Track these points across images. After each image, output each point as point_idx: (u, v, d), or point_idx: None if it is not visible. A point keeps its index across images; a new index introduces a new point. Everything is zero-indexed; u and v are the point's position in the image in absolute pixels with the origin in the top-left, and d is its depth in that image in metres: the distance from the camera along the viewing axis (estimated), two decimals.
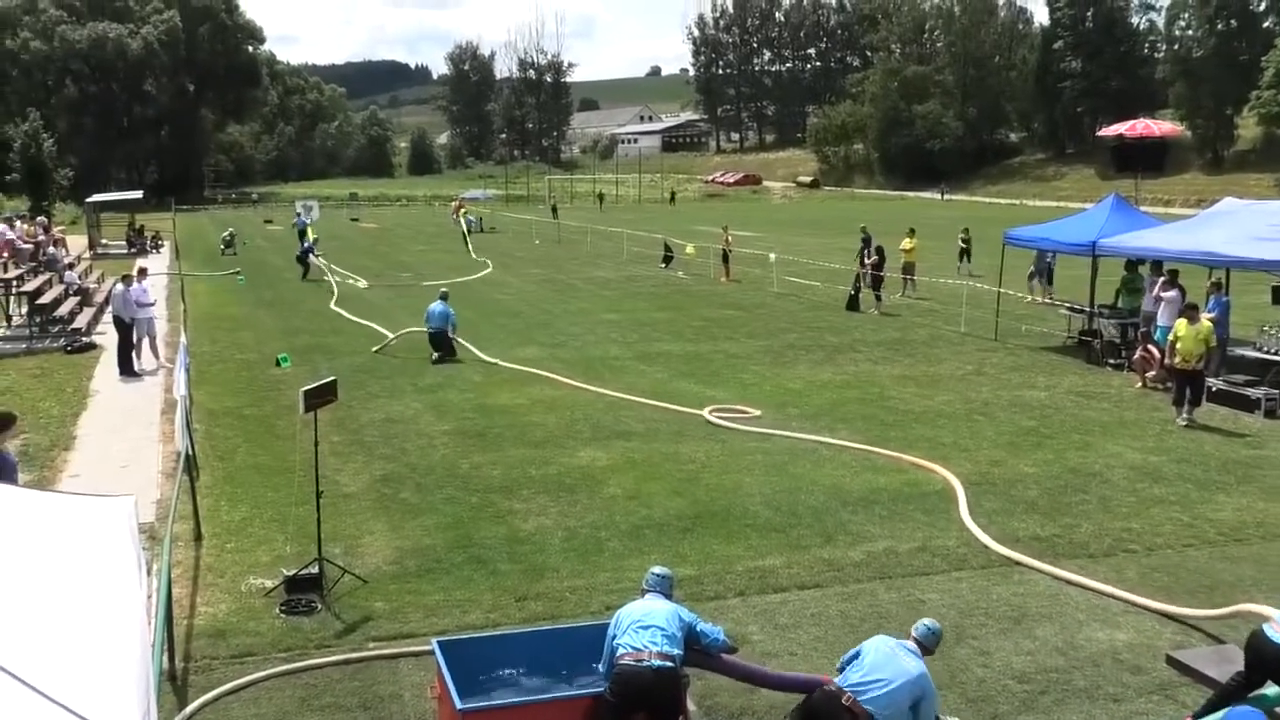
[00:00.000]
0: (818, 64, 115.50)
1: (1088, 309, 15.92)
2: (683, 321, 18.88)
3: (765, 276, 24.51)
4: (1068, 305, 17.20)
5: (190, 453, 8.72)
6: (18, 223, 26.43)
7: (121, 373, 14.72)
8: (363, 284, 24.96)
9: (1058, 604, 7.16)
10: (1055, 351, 15.82)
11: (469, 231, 38.27)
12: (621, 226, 38.36)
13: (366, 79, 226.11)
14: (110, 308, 16.01)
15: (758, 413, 12.10)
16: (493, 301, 21.48)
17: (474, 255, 32.29)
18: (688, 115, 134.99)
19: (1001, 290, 18.13)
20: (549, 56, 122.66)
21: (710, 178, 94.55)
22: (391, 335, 16.97)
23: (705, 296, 22.27)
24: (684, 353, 15.82)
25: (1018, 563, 7.77)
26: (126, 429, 11.75)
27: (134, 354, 14.96)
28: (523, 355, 15.62)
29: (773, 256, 24.42)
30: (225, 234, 35.46)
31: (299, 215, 42.69)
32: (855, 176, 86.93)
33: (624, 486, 9.45)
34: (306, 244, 26.90)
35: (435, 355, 15.30)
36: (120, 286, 15.16)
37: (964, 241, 25.54)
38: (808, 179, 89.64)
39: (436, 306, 15.61)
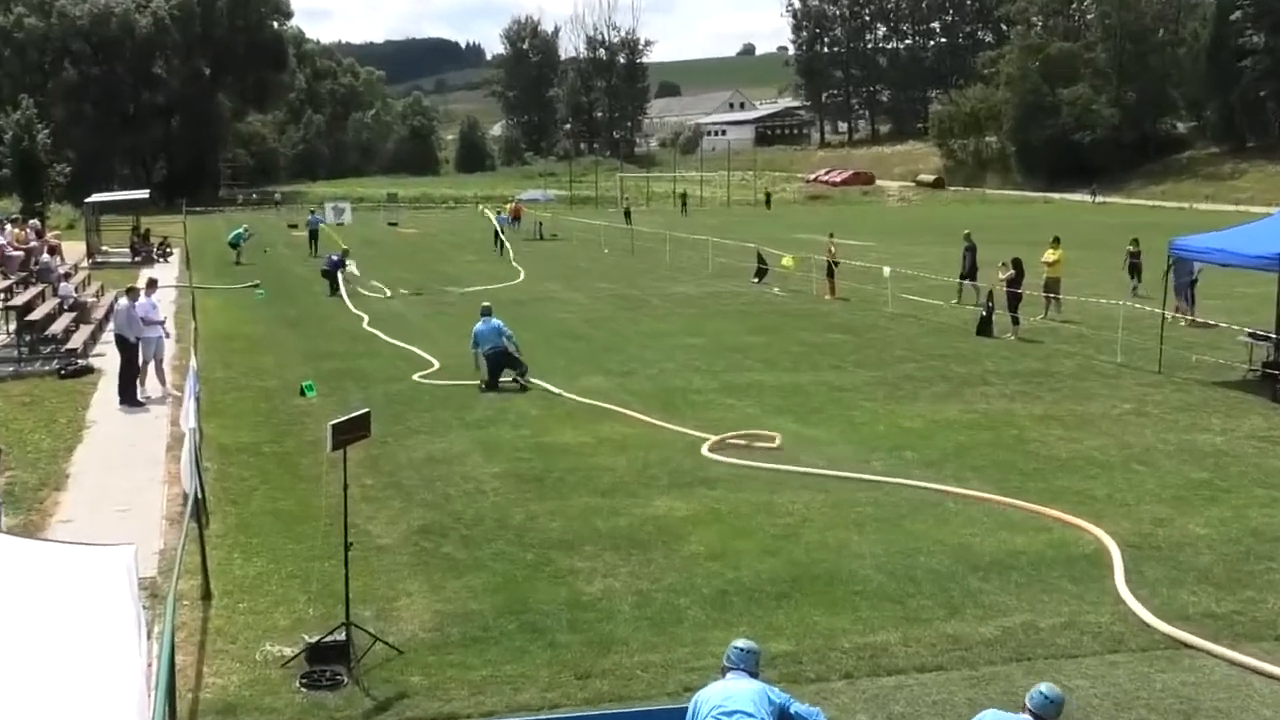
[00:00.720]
0: (942, 40, 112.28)
1: (1274, 336, 15.66)
2: (778, 347, 18.86)
3: (878, 294, 24.42)
4: (1249, 332, 16.89)
5: (199, 496, 8.71)
6: (7, 226, 26.82)
7: (122, 401, 14.97)
8: (386, 293, 25.87)
9: (1238, 697, 6.87)
10: (1233, 387, 15.44)
11: (501, 230, 39.36)
12: (706, 234, 38.56)
13: (408, 60, 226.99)
14: (111, 325, 16.25)
15: (776, 442, 12.13)
16: (553, 321, 21.61)
17: (510, 260, 33.41)
18: (786, 102, 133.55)
19: (1167, 313, 17.91)
20: (622, 33, 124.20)
21: (813, 176, 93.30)
22: (436, 362, 17.24)
23: (806, 317, 22.31)
24: (779, 384, 15.75)
25: (1187, 645, 7.54)
26: (127, 467, 11.81)
27: (138, 380, 15.08)
28: (588, 385, 15.63)
29: (887, 271, 24.29)
30: (239, 231, 35.76)
31: (313, 214, 44.69)
32: (987, 175, 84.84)
33: (707, 543, 9.31)
34: (334, 256, 27.08)
35: (485, 382, 15.40)
36: (124, 301, 15.23)
37: (1133, 255, 24.53)
38: (930, 178, 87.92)
39: (484, 325, 15.72)
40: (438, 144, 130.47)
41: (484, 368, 15.76)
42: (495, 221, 41.57)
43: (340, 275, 26.72)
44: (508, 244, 37.11)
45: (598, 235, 43.32)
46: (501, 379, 15.43)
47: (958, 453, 12.08)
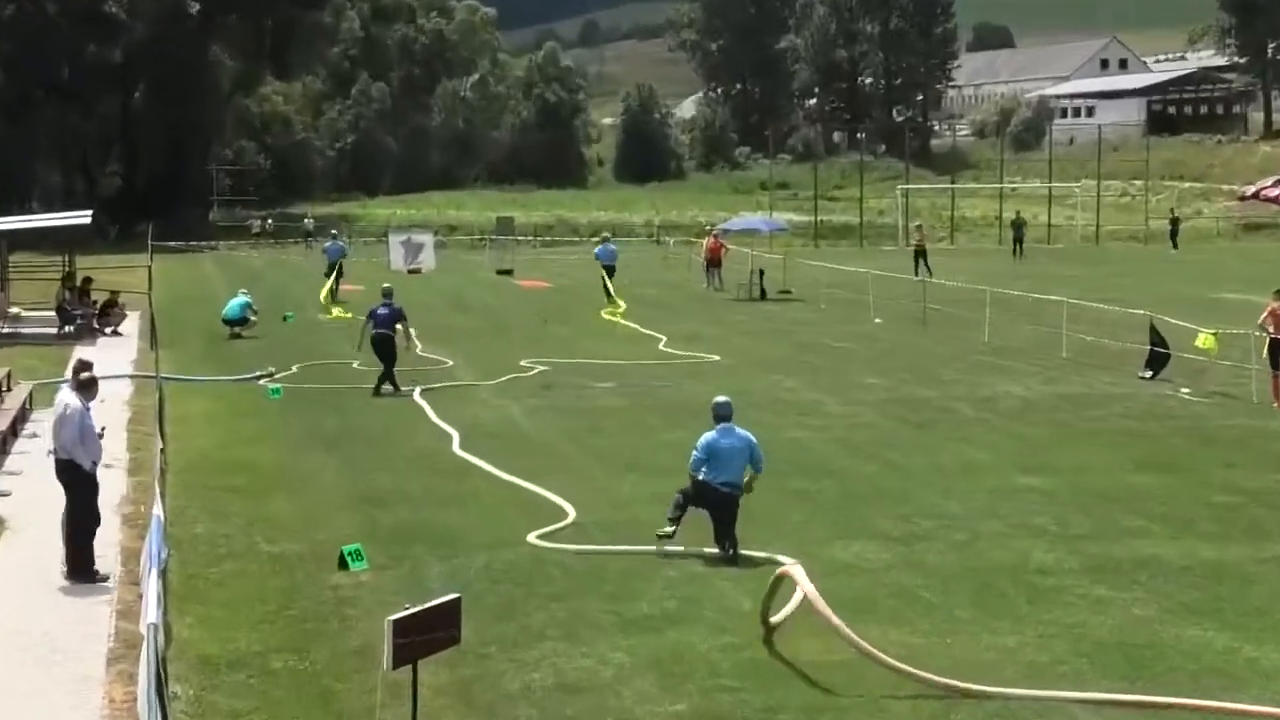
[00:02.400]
0: None
1: None
2: (1188, 494, 18.98)
3: None
4: None
5: None
6: None
7: (71, 573, 14.81)
8: (488, 384, 28.57)
9: None
10: None
11: (609, 277, 44.73)
12: (1057, 290, 39.99)
13: None
14: (50, 442, 15.73)
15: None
16: (784, 444, 21.83)
17: (615, 315, 38.13)
18: (1203, 58, 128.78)
19: None
20: None
21: (1250, 190, 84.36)
22: (571, 510, 17.83)
23: (1238, 441, 22.74)
24: (1192, 561, 15.77)
25: None
26: (39, 695, 11.82)
27: (86, 536, 14.82)
28: (843, 555, 16.07)
29: None
30: (239, 301, 37.53)
31: (334, 240, 50.40)
32: None
33: None
34: (383, 308, 27.89)
35: (664, 539, 16.14)
36: (73, 400, 15.00)
37: None
38: None
39: (725, 438, 16.20)
40: (585, 132, 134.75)
41: (678, 516, 16.00)
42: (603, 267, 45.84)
43: (407, 341, 28.37)
44: (613, 294, 42.17)
45: (863, 291, 44.61)
46: (663, 534, 16.18)
47: None
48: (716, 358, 32.19)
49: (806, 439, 22.80)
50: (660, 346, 34.32)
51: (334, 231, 57.30)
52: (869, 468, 20.83)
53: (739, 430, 16.17)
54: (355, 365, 28.92)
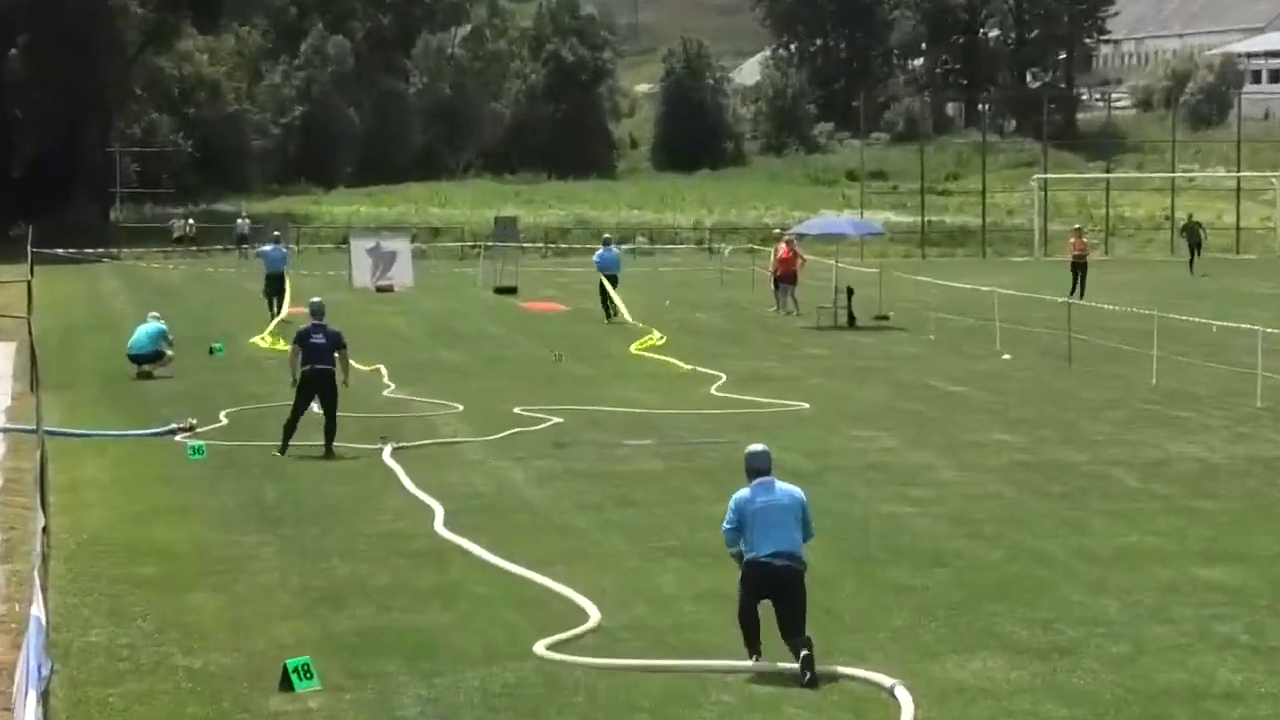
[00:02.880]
0: None
1: None
2: None
3: None
4: None
5: None
6: None
7: None
8: (455, 408, 29.62)
9: None
10: None
11: (609, 292, 47.85)
12: (1247, 312, 41.11)
13: None
14: None
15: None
16: (879, 520, 21.93)
17: (649, 346, 39.88)
18: None
19: None
20: None
21: None
22: (593, 612, 17.65)
23: None
24: None
25: None
26: None
27: None
28: (960, 674, 15.93)
29: None
30: (150, 328, 37.82)
31: (275, 244, 52.18)
32: None
33: None
34: (317, 336, 27.95)
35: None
36: None
37: None
38: None
39: (764, 495, 16.09)
40: (614, 104, 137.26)
41: (754, 639, 15.83)
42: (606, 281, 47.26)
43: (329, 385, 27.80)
44: (619, 307, 44.39)
45: (986, 316, 45.19)
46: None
47: None
48: (789, 405, 32.19)
49: (909, 516, 22.68)
50: (713, 390, 34.48)
51: (276, 233, 57.57)
52: (994, 554, 20.64)
53: (781, 485, 16.10)
54: (315, 408, 29.01)
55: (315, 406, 28.24)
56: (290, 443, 27.21)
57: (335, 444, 27.47)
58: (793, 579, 15.73)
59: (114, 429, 29.77)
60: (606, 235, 58.39)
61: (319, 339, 27.61)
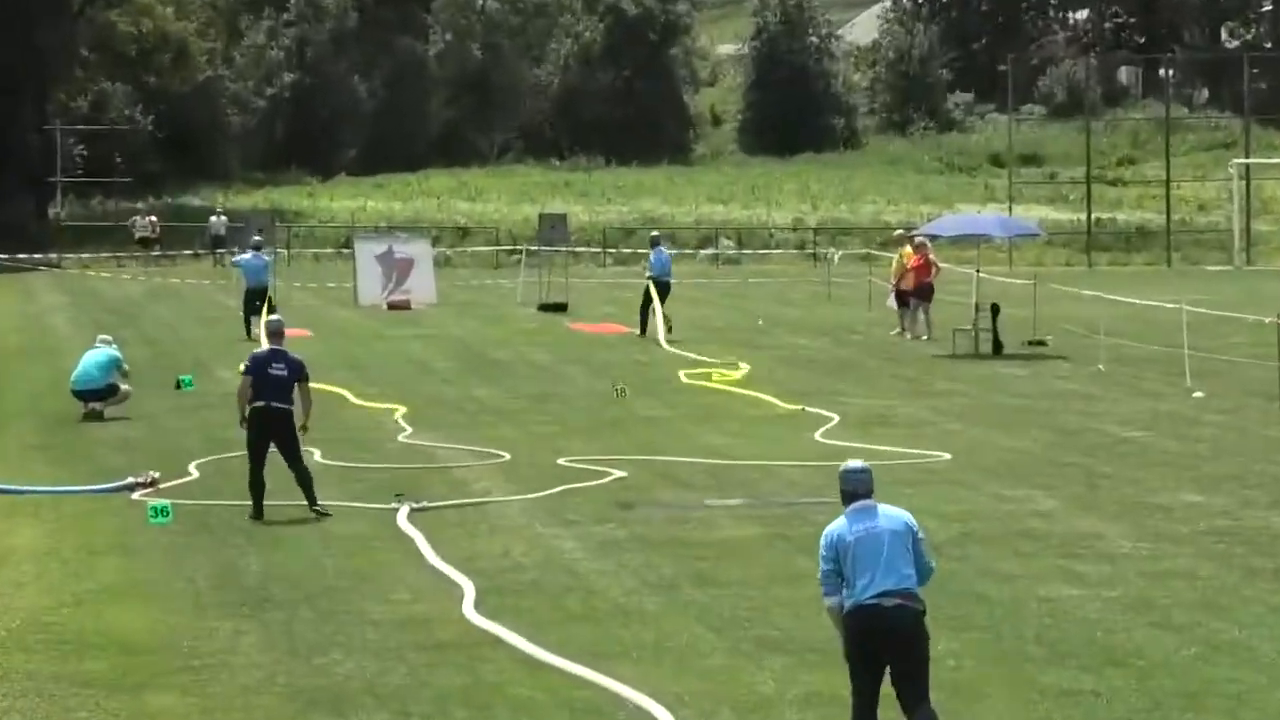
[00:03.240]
0: None
1: None
2: None
3: None
4: None
5: None
6: None
7: None
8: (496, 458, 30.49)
9: None
10: None
11: (660, 299, 48.95)
12: None
13: None
14: None
15: None
16: (1040, 608, 21.87)
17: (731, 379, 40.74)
18: None
19: None
20: None
21: None
22: None
23: None
24: None
25: None
26: None
27: None
28: None
29: None
30: (101, 357, 37.98)
31: (255, 251, 53.51)
32: None
33: None
34: (276, 366, 28.15)
35: None
36: None
37: None
38: None
39: None
40: (691, 69, 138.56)
41: None
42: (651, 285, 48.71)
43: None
44: (661, 320, 44.41)
45: (1173, 342, 45.90)
46: None
47: None
48: (918, 455, 32.15)
49: (1075, 600, 22.31)
50: (819, 435, 34.50)
51: (258, 236, 57.23)
52: (1185, 651, 20.00)
53: (885, 508, 15.92)
54: (317, 457, 28.91)
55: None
56: (265, 503, 27.10)
57: (326, 502, 27.44)
58: (909, 623, 15.60)
59: (53, 484, 29.67)
60: (655, 233, 58.29)
61: (279, 369, 27.58)
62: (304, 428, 27.70)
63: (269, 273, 51.03)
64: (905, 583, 15.46)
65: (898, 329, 50.56)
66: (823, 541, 15.71)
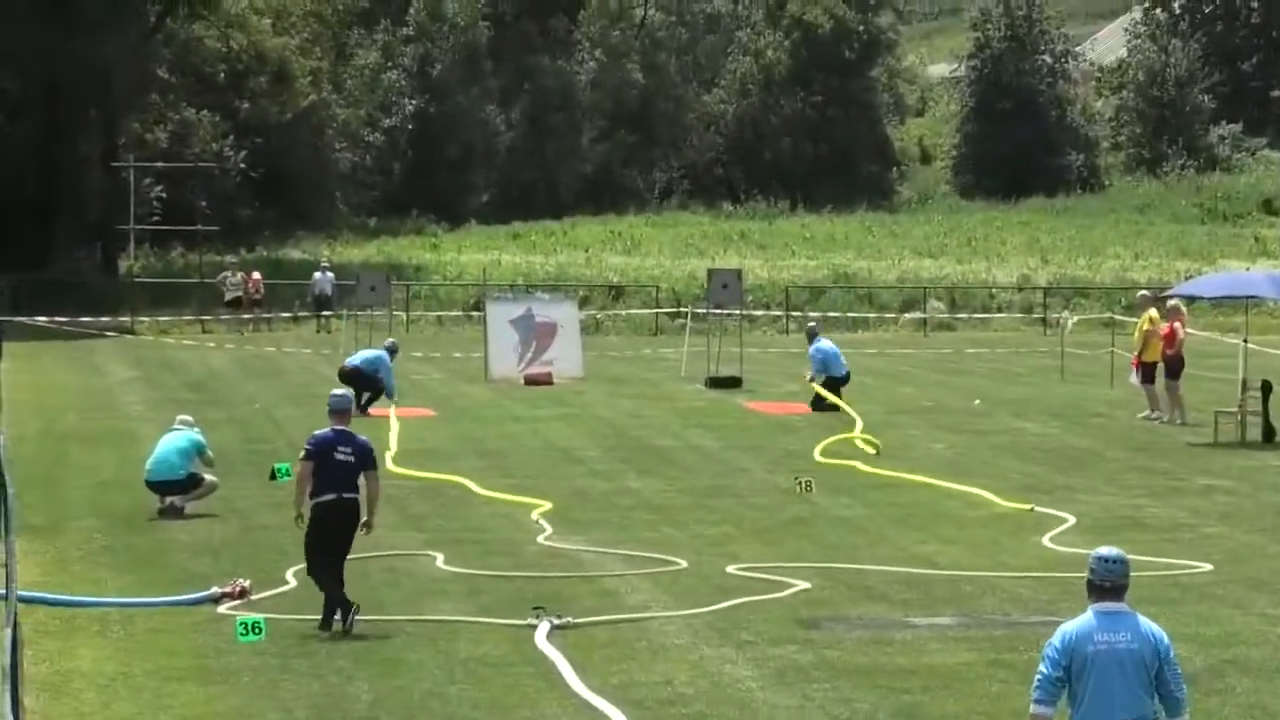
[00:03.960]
0: None
1: None
2: None
3: None
4: None
5: None
6: None
7: None
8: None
9: None
10: None
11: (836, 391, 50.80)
12: None
13: None
14: None
15: None
16: None
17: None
18: None
19: None
20: None
21: None
22: None
23: None
24: None
25: None
26: None
27: None
28: None
29: None
30: (183, 440, 38.10)
31: (386, 351, 53.15)
32: None
33: None
34: (342, 450, 28.37)
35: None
36: None
37: None
38: None
39: None
40: (898, 95, 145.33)
41: None
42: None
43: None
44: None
45: None
46: None
47: None
48: (1172, 565, 31.85)
49: None
50: (1048, 540, 34.29)
51: (391, 340, 56.58)
52: None
53: (1134, 618, 15.95)
54: (439, 563, 28.92)
55: None
56: (373, 616, 27.15)
57: (450, 618, 27.55)
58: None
59: (122, 594, 29.81)
60: (812, 323, 57.94)
61: (345, 453, 27.51)
62: (367, 525, 27.71)
63: (389, 374, 51.37)
64: (1141, 714, 15.37)
65: (1146, 411, 50.20)
66: (1057, 641, 15.71)
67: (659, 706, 23.28)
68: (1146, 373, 50.61)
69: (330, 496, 27.22)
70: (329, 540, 27.30)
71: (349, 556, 27.68)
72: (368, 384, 50.69)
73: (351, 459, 27.33)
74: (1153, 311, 51.97)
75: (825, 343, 52.86)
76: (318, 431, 28.50)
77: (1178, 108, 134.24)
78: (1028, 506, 37.17)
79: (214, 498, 37.11)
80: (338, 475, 27.32)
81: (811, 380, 53.49)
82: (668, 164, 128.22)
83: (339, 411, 27.81)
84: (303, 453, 28.10)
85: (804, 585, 29.93)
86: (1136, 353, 51.63)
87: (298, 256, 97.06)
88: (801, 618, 28.07)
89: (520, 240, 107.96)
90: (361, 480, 27.06)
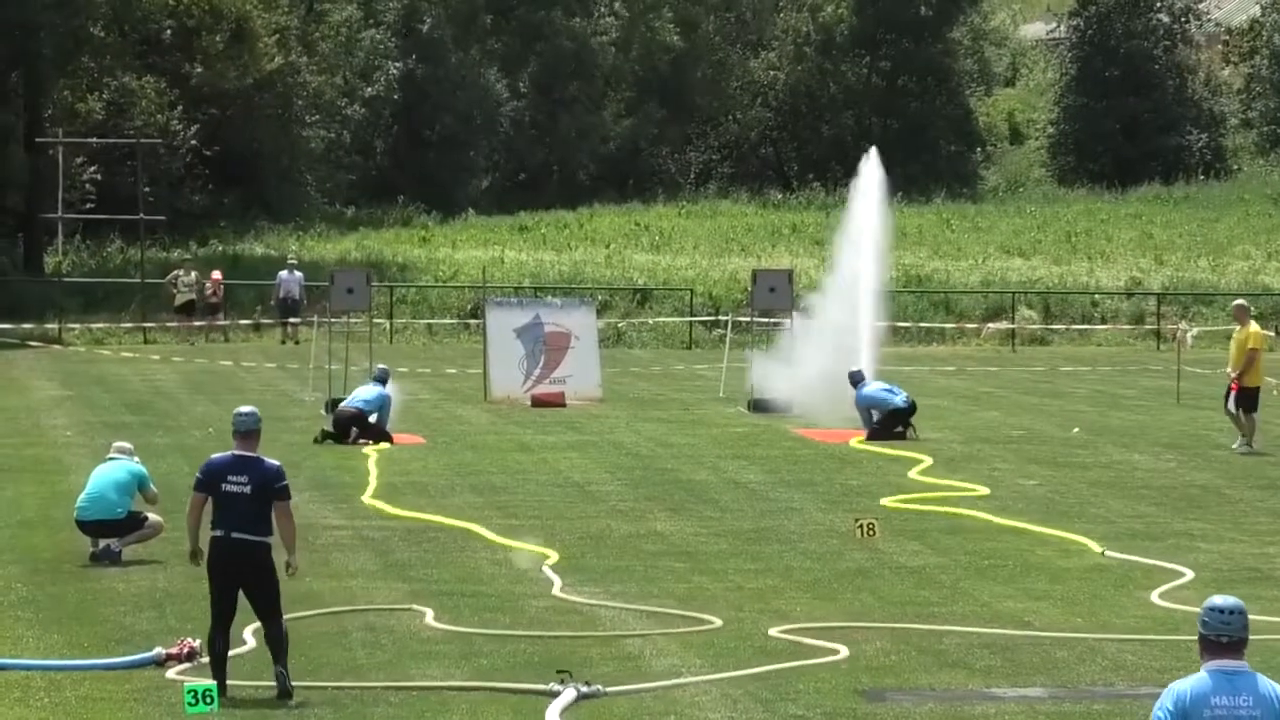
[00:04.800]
0: None
1: None
2: None
3: None
4: None
5: None
6: None
7: None
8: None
9: None
10: None
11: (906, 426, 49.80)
12: None
13: None
14: None
15: None
16: None
17: None
18: None
19: None
20: None
21: None
22: None
23: None
24: None
25: None
26: None
27: None
28: None
29: None
30: (116, 472, 38.29)
31: (374, 384, 54.37)
32: None
33: None
34: (233, 479, 28.17)
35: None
36: None
37: None
38: None
39: None
40: (983, 63, 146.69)
41: None
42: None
43: None
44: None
45: None
46: None
47: None
48: None
49: None
50: (1157, 596, 34.42)
51: (382, 366, 56.54)
52: None
53: (1255, 678, 16.16)
54: (429, 619, 29.15)
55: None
56: (366, 683, 27.18)
57: (441, 684, 27.61)
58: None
59: (48, 655, 29.96)
60: (856, 368, 58.01)
61: (238, 484, 27.07)
62: (290, 565, 27.31)
63: (385, 410, 52.02)
64: None
65: (1238, 441, 50.40)
66: (1169, 702, 15.91)
67: None
68: (1249, 400, 50.71)
69: (218, 533, 27.06)
70: (228, 589, 27.08)
71: (310, 613, 27.66)
72: (370, 429, 51.29)
73: (246, 489, 26.99)
74: (1253, 325, 52.13)
75: (870, 387, 53.23)
76: (214, 455, 28.24)
77: None
78: (1099, 549, 37.36)
79: (157, 541, 37.23)
80: (228, 510, 27.07)
81: (869, 440, 53.73)
82: (705, 143, 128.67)
83: (244, 434, 27.23)
84: (196, 481, 27.81)
85: (865, 648, 30.03)
86: (1236, 374, 51.78)
87: (259, 252, 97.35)
88: (862, 687, 28.07)
89: (527, 234, 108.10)
90: (273, 516, 26.54)
